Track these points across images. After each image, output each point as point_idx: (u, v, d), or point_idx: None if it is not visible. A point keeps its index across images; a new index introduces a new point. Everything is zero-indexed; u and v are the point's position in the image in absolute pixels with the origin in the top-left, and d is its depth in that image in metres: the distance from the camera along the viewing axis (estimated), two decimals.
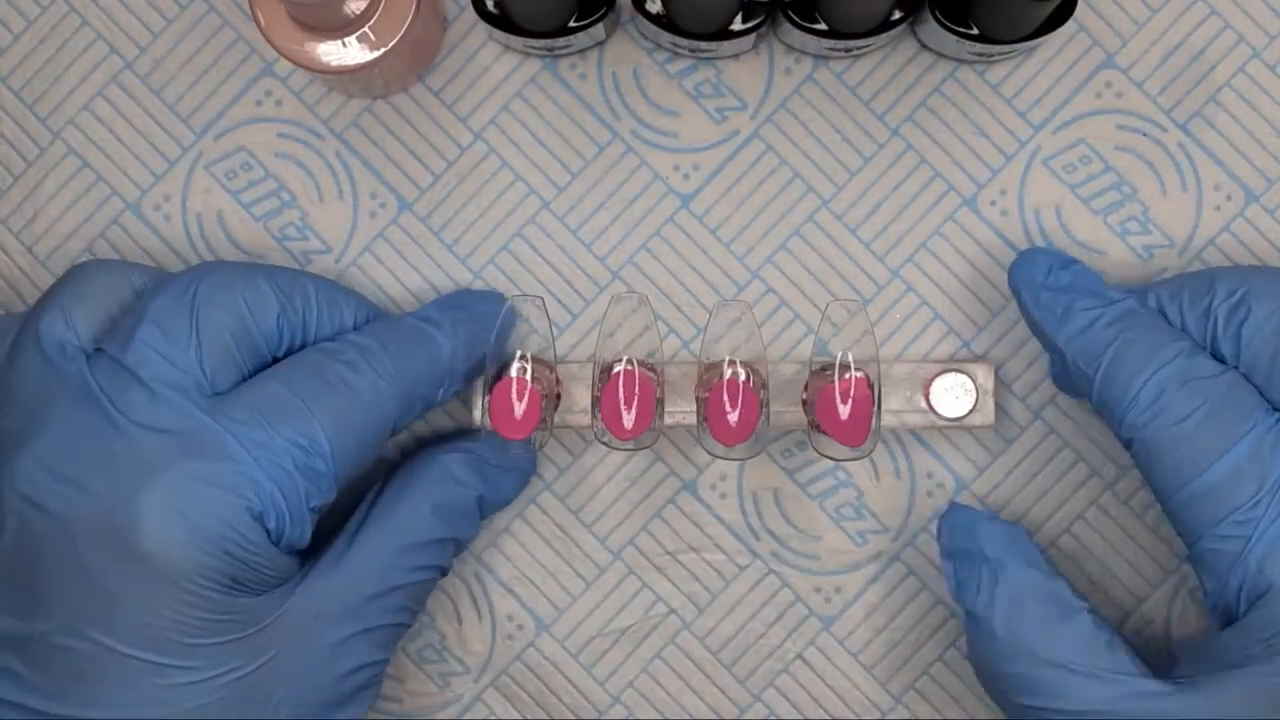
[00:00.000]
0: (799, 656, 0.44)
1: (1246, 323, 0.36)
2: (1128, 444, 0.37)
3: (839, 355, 0.39)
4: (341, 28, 0.38)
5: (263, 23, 0.38)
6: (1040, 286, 0.39)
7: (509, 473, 0.42)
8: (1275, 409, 0.36)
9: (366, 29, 0.38)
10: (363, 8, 0.38)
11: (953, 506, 0.41)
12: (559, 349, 0.43)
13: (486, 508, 0.41)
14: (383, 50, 0.38)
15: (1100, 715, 0.35)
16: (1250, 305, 0.36)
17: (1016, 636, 0.37)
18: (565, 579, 0.44)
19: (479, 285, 0.44)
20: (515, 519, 0.44)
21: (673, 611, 0.44)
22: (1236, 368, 0.36)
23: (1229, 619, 0.36)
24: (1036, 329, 0.39)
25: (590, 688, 0.44)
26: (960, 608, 0.39)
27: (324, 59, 0.38)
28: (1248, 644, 0.35)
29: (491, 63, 0.43)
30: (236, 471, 0.35)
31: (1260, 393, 0.36)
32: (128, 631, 0.34)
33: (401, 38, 0.38)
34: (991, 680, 0.38)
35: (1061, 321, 0.38)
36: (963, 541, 0.40)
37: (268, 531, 0.35)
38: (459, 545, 0.41)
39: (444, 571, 0.41)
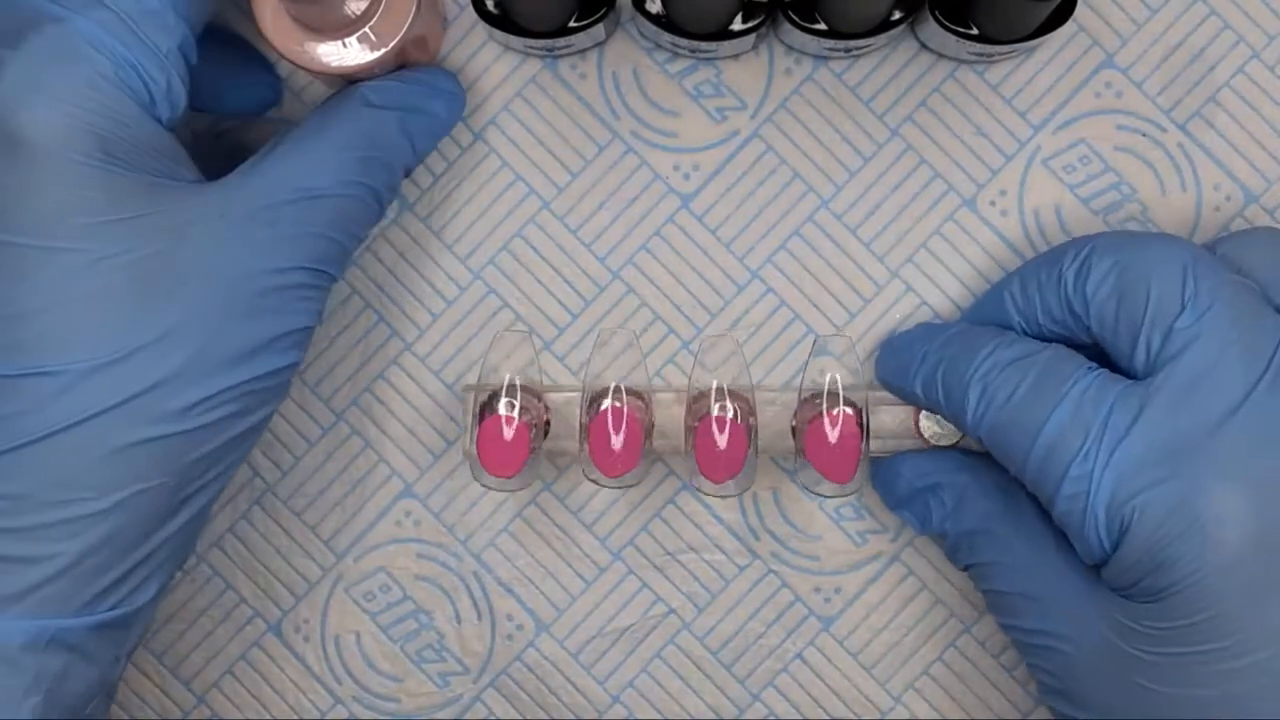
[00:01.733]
0: (798, 656, 0.44)
1: (1090, 278, 0.37)
2: (980, 443, 0.38)
3: (826, 381, 0.39)
4: (342, 28, 0.38)
5: (264, 23, 0.38)
6: (889, 358, 0.42)
7: (433, 90, 0.41)
8: (1118, 363, 0.37)
9: (367, 29, 0.38)
10: (363, 8, 0.38)
11: (882, 465, 0.42)
12: (558, 348, 0.44)
13: (415, 130, 0.40)
14: (383, 50, 0.38)
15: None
16: (1092, 262, 0.37)
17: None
18: (565, 579, 0.44)
19: (478, 285, 0.44)
20: (515, 519, 0.44)
21: (672, 611, 0.44)
22: (1089, 327, 0.37)
23: None
24: (899, 392, 0.41)
25: (590, 687, 0.44)
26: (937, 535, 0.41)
27: (324, 59, 0.38)
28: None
29: (491, 63, 0.43)
30: (79, 37, 0.34)
31: (1106, 346, 0.37)
32: (12, 220, 0.34)
33: (402, 38, 0.38)
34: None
35: (905, 369, 0.40)
36: (904, 487, 0.41)
37: (134, 94, 0.35)
38: (391, 171, 0.39)
39: (379, 199, 0.39)
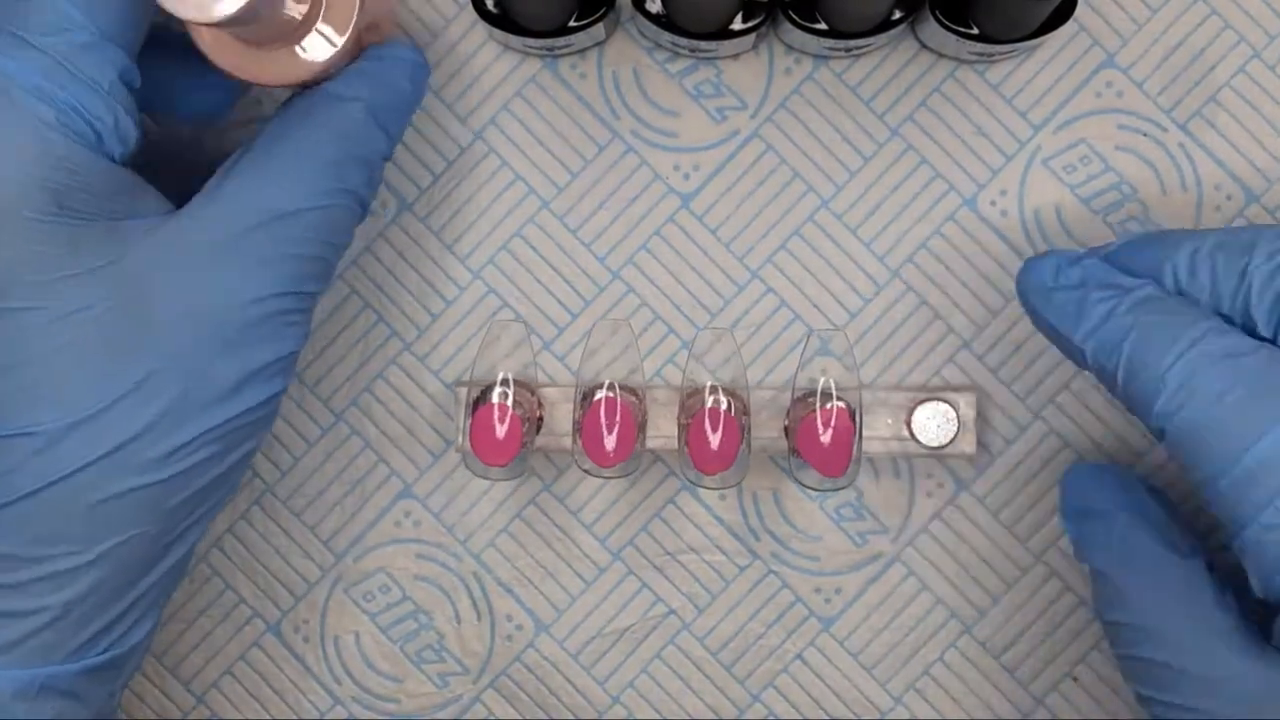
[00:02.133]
0: (798, 657, 0.44)
1: None
2: (1160, 434, 0.34)
3: (820, 382, 0.39)
4: (290, 34, 0.36)
5: (204, 46, 0.35)
6: (1050, 290, 0.36)
7: (393, 65, 0.38)
8: None
9: (316, 28, 0.36)
10: (305, 9, 0.35)
11: (1072, 468, 0.40)
12: (558, 348, 0.43)
13: (385, 113, 0.37)
14: (340, 47, 0.36)
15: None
16: None
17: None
18: (565, 579, 0.44)
19: (478, 284, 0.44)
20: (515, 519, 0.44)
21: (672, 612, 0.44)
22: (1274, 340, 0.33)
23: None
24: (1054, 335, 0.37)
25: (590, 688, 0.44)
26: (1086, 566, 0.39)
27: (279, 71, 0.36)
28: None
29: (491, 62, 0.43)
30: (11, 85, 0.32)
31: None
32: None
33: (354, 26, 0.36)
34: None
35: (1077, 319, 0.35)
36: (1080, 500, 0.39)
37: (81, 138, 0.33)
38: (368, 165, 0.36)
39: (360, 200, 0.37)
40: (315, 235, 0.35)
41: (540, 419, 0.41)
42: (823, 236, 0.43)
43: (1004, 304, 0.43)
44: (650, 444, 0.41)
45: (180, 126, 0.43)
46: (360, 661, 0.44)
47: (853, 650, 0.44)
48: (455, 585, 0.44)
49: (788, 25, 0.40)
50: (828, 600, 0.44)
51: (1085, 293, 0.36)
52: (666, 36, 0.40)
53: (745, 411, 0.40)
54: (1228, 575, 0.36)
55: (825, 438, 0.38)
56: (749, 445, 0.40)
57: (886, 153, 0.43)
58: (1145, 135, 0.43)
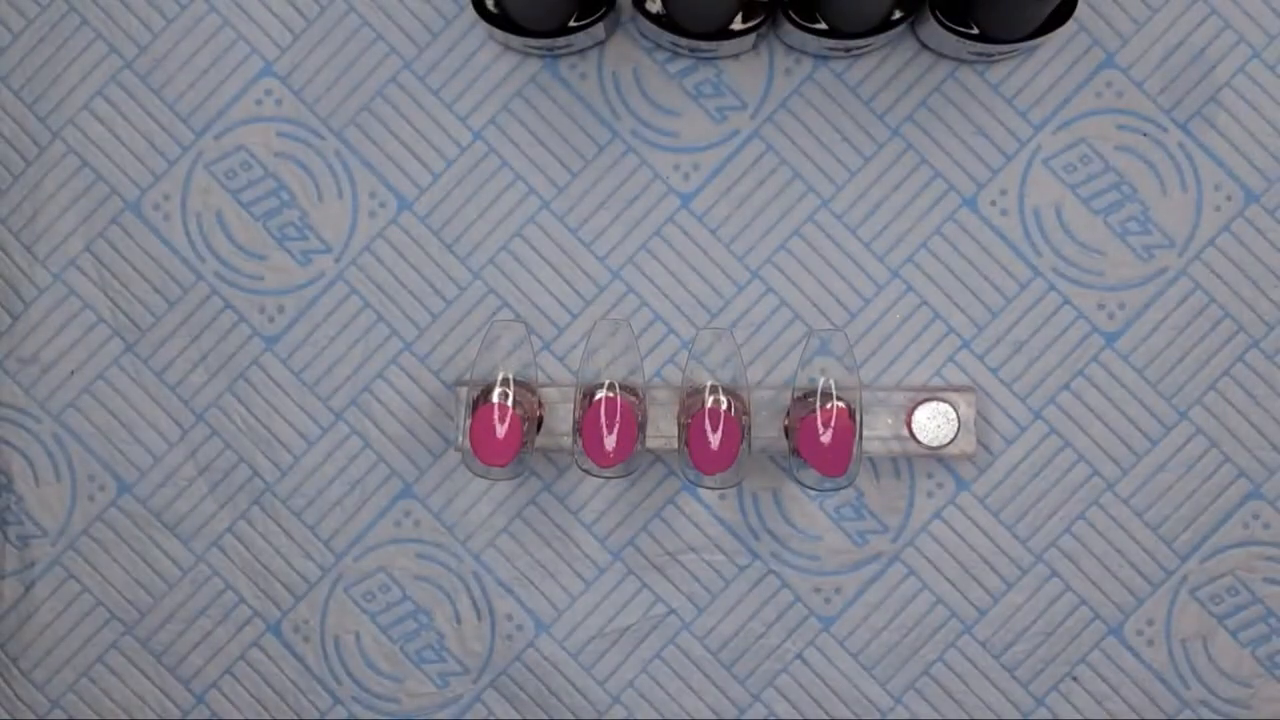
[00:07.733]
0: (799, 657, 0.44)
1: None
2: None
3: (820, 382, 0.39)
4: None
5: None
6: None
7: None
8: None
9: None
10: None
11: None
12: (558, 348, 0.43)
13: None
14: None
15: None
16: None
17: None
18: (565, 579, 0.44)
19: (478, 284, 0.44)
20: (515, 519, 0.44)
21: (672, 611, 0.44)
22: None
23: None
24: None
25: (590, 688, 0.44)
26: None
27: None
28: None
29: (491, 62, 0.43)
30: None
31: None
32: None
33: None
34: None
35: None
36: None
37: None
38: None
39: None
40: None
41: (540, 419, 0.41)
42: (822, 236, 0.43)
43: (1004, 304, 0.43)
44: (650, 444, 0.41)
45: None
46: (360, 661, 0.44)
47: (853, 650, 0.44)
48: (455, 585, 0.44)
49: (788, 25, 0.40)
50: (828, 600, 0.44)
51: None
52: (667, 36, 0.40)
53: (745, 411, 0.40)
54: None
55: (825, 438, 0.38)
56: (749, 445, 0.40)
57: (886, 153, 0.43)
58: (1145, 135, 0.43)
